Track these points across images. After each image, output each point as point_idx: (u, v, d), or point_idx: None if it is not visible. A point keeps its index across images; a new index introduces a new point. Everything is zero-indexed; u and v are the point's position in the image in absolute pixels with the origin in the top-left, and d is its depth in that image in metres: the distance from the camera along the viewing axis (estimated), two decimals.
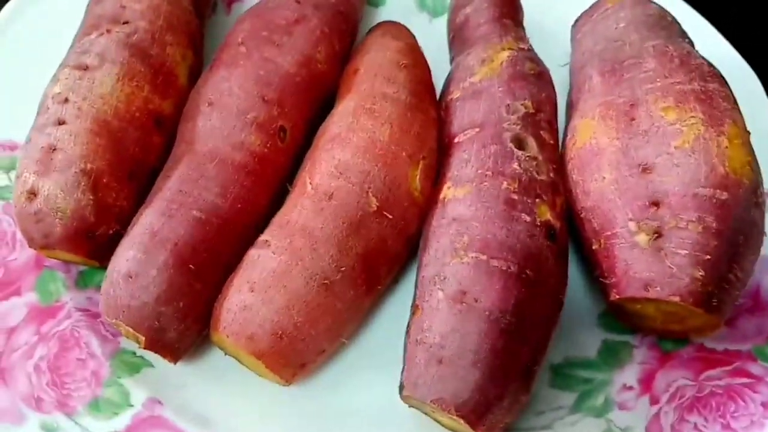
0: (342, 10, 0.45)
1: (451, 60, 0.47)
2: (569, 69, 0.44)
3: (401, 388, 0.34)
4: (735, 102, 0.36)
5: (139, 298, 0.33)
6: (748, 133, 0.36)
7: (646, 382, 0.37)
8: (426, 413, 0.35)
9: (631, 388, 0.37)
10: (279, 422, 0.36)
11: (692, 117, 0.34)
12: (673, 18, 0.42)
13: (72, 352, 0.36)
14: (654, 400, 0.37)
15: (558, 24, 0.49)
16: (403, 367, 0.34)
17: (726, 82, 0.37)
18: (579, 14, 0.46)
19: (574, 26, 0.46)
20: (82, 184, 0.35)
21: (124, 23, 0.39)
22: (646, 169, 0.34)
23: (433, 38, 0.49)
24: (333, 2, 0.45)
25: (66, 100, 0.36)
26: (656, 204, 0.34)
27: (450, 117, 0.41)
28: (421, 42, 0.48)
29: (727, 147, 0.33)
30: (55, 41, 0.44)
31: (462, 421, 0.32)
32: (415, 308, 0.35)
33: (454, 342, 0.32)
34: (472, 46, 0.44)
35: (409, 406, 0.35)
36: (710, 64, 0.38)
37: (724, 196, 0.33)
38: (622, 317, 0.37)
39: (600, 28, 0.42)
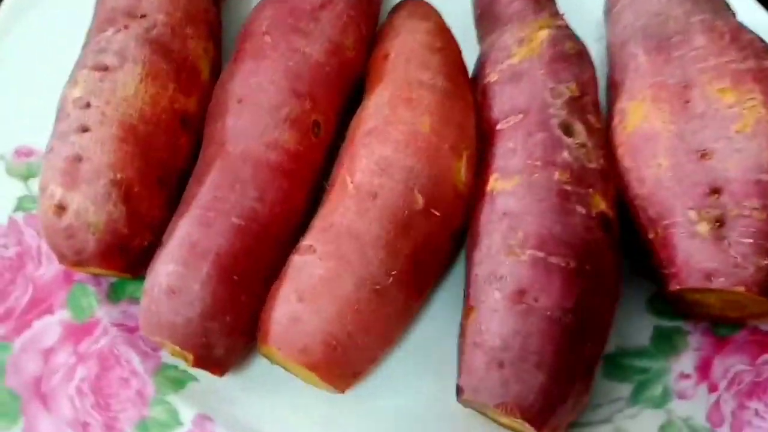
0: None
1: (479, 38, 0.45)
2: (606, 45, 0.42)
3: (459, 391, 0.33)
4: None
5: (184, 315, 0.32)
6: None
7: (703, 369, 0.37)
8: (483, 413, 0.34)
9: (688, 376, 0.37)
10: (332, 428, 0.35)
11: (751, 99, 0.33)
12: None
13: (113, 371, 0.34)
14: (712, 388, 0.36)
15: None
16: (460, 370, 0.34)
17: None
18: None
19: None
20: (113, 195, 0.33)
21: (141, 17, 0.37)
22: (705, 155, 0.33)
23: (454, 12, 0.47)
24: None
25: (88, 105, 0.34)
26: (717, 191, 0.33)
27: (489, 102, 0.39)
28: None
29: None
30: (66, 36, 0.41)
31: (527, 424, 0.31)
32: (468, 309, 0.34)
33: (516, 344, 0.31)
34: (506, 23, 0.42)
35: (465, 407, 0.34)
36: (761, 39, 0.36)
37: None
38: (677, 305, 0.36)
39: (639, 2, 0.40)
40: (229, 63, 0.40)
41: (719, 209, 0.32)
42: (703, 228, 0.33)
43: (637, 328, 0.38)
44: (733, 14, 0.39)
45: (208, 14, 0.40)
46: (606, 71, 0.42)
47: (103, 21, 0.37)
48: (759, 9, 0.47)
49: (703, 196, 0.33)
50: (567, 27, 0.41)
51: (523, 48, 0.39)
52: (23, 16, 0.44)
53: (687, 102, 0.35)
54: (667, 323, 0.38)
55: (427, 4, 0.46)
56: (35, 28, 0.44)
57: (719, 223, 0.32)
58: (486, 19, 0.45)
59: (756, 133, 0.32)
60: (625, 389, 0.37)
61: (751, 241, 0.32)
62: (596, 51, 0.43)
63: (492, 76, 0.40)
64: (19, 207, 0.38)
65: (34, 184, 0.39)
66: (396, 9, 0.45)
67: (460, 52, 0.42)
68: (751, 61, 0.35)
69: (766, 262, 0.31)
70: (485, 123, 0.39)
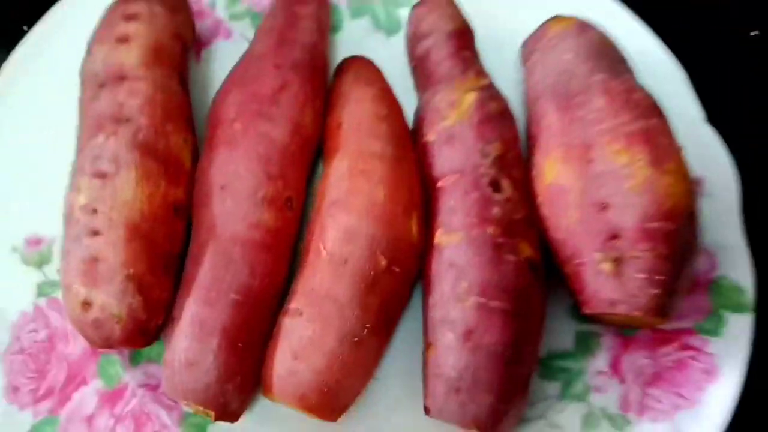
0: (316, 64, 0.49)
1: (416, 87, 0.52)
2: (523, 94, 0.50)
3: (426, 410, 0.42)
4: (671, 133, 0.43)
5: (203, 381, 0.39)
6: (682, 156, 0.43)
7: (615, 366, 0.46)
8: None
9: (603, 373, 0.46)
10: None
11: (640, 159, 0.41)
12: (611, 42, 0.47)
13: (146, 427, 0.42)
14: (621, 381, 0.46)
15: (505, 33, 0.54)
16: (425, 394, 0.42)
17: (662, 111, 0.44)
18: (526, 35, 0.51)
19: (523, 48, 0.51)
20: (130, 288, 0.39)
21: (126, 121, 0.42)
22: (605, 207, 0.41)
23: (391, 55, 0.54)
24: (307, 59, 0.48)
25: (95, 211, 0.40)
26: (615, 237, 0.41)
27: (429, 160, 0.47)
28: (380, 59, 0.53)
29: (669, 185, 0.40)
30: (48, 121, 0.47)
31: None
32: (428, 344, 0.43)
33: (468, 375, 0.40)
34: (438, 83, 0.49)
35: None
36: (649, 95, 0.44)
37: (669, 226, 0.40)
38: (591, 317, 0.45)
39: (549, 59, 0.48)
40: (205, 148, 0.46)
41: (618, 252, 0.41)
42: (606, 266, 0.41)
43: (562, 334, 0.47)
44: (626, 63, 0.47)
45: (182, 107, 0.46)
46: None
47: (92, 126, 0.43)
48: (650, 36, 0.55)
49: (605, 241, 0.41)
50: (490, 85, 0.48)
51: (454, 111, 0.47)
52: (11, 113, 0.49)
53: (590, 162, 0.43)
54: (585, 327, 0.48)
55: (370, 64, 0.52)
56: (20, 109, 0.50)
57: (618, 262, 0.41)
58: (420, 73, 0.51)
59: (644, 190, 0.40)
60: (554, 387, 0.46)
61: (643, 276, 0.40)
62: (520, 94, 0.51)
63: (430, 136, 0.47)
64: (40, 293, 0.45)
65: (49, 269, 0.45)
66: (341, 71, 0.52)
67: (402, 114, 0.49)
68: (641, 122, 0.43)
69: (655, 291, 0.40)
70: (428, 179, 0.47)
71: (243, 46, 0.52)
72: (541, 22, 0.50)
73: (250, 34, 0.54)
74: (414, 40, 0.52)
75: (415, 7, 0.53)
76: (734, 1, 0.63)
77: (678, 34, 0.55)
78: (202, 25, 0.54)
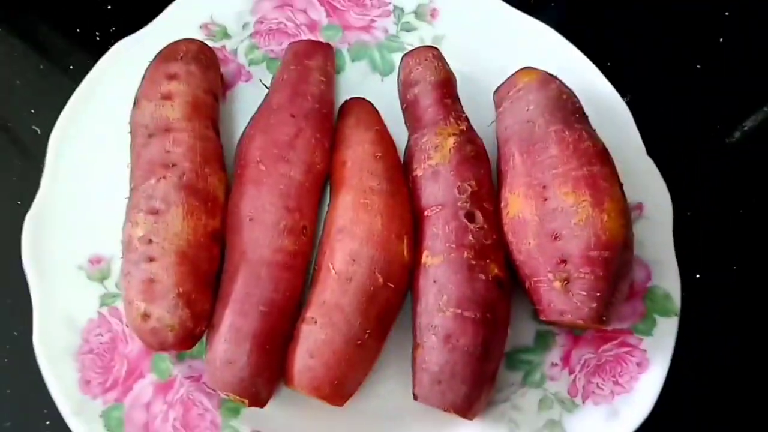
0: (324, 111, 0.59)
1: (406, 126, 0.62)
2: (495, 134, 0.60)
3: (414, 396, 0.52)
4: (611, 176, 0.53)
5: (239, 376, 0.50)
6: (621, 191, 0.53)
7: (566, 359, 0.56)
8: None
9: (557, 364, 0.56)
10: (334, 423, 0.55)
11: (583, 201, 0.51)
12: (569, 93, 0.57)
13: (193, 411, 0.52)
14: (571, 371, 0.55)
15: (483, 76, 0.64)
16: (414, 383, 0.53)
17: (605, 157, 0.54)
18: (499, 82, 0.61)
19: (495, 93, 0.60)
20: (180, 303, 0.50)
21: (173, 166, 0.52)
22: (556, 238, 0.52)
23: (385, 93, 0.64)
24: (317, 107, 0.58)
25: (150, 241, 0.50)
26: (564, 261, 0.51)
27: (418, 192, 0.57)
28: (375, 97, 0.63)
29: (606, 220, 0.50)
30: (105, 161, 0.57)
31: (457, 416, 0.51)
32: (416, 345, 0.53)
33: (447, 369, 0.50)
34: (424, 127, 0.58)
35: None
36: (594, 143, 0.54)
37: (606, 254, 0.50)
38: (547, 322, 0.56)
39: (516, 107, 0.57)
40: (235, 183, 0.56)
41: (566, 273, 0.51)
42: (557, 284, 0.51)
43: (524, 332, 0.57)
44: (582, 118, 0.57)
45: (216, 150, 0.56)
46: None
47: (145, 170, 0.53)
48: (604, 82, 0.65)
49: (556, 264, 0.52)
50: (468, 129, 0.58)
51: (437, 153, 0.56)
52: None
53: (545, 200, 0.53)
54: (544, 327, 0.58)
55: (367, 105, 0.62)
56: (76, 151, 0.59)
57: (566, 281, 0.51)
58: (409, 115, 0.61)
59: (586, 225, 0.50)
60: (517, 376, 0.56)
61: (585, 293, 0.50)
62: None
63: (418, 171, 0.57)
64: (102, 303, 0.55)
65: (108, 283, 0.55)
66: (344, 113, 0.61)
67: (396, 152, 0.59)
68: (585, 168, 0.52)
69: (595, 305, 0.51)
70: (417, 207, 0.57)
71: (260, 87, 0.62)
72: (512, 68, 0.61)
73: (266, 75, 0.64)
74: (405, 86, 0.61)
75: (405, 56, 0.62)
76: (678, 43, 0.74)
77: (630, 78, 0.66)
78: (226, 70, 0.63)
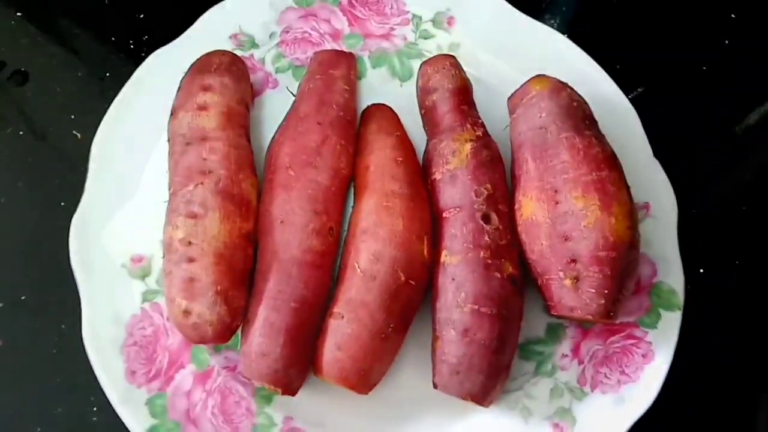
0: (348, 118, 0.63)
1: (425, 130, 0.65)
2: (509, 138, 0.63)
3: (435, 386, 0.56)
4: (619, 180, 0.56)
5: (273, 368, 0.54)
6: (629, 193, 0.57)
7: (576, 351, 0.60)
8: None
9: (567, 355, 0.60)
10: (359, 410, 0.59)
11: (593, 204, 0.54)
12: (580, 101, 0.61)
13: (230, 398, 0.57)
14: (580, 362, 0.59)
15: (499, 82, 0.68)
16: (433, 373, 0.57)
17: (614, 162, 0.57)
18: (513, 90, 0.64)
19: (510, 100, 0.64)
20: (218, 301, 0.53)
21: (209, 173, 0.56)
22: (567, 239, 0.55)
23: (404, 98, 0.67)
24: (342, 115, 0.62)
25: (190, 243, 0.54)
26: (575, 261, 0.55)
27: (436, 195, 0.60)
28: (395, 102, 0.67)
29: (614, 223, 0.54)
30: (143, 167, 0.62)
31: (474, 404, 0.56)
32: (435, 337, 0.57)
33: (465, 361, 0.54)
34: (442, 132, 0.62)
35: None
36: (603, 149, 0.58)
37: (614, 254, 0.54)
38: (558, 316, 0.60)
39: (529, 114, 0.61)
40: (265, 187, 0.59)
41: (576, 272, 0.55)
42: (568, 282, 0.55)
43: (536, 325, 0.61)
44: (592, 124, 0.60)
45: (249, 157, 0.59)
46: None
47: (183, 176, 0.56)
48: (614, 88, 0.68)
49: (567, 263, 0.55)
50: (484, 135, 0.61)
51: (455, 158, 0.60)
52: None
53: (557, 203, 0.56)
54: (555, 321, 0.62)
55: (388, 111, 0.65)
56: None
57: (576, 279, 0.55)
58: (428, 120, 0.64)
59: (595, 227, 0.54)
60: (529, 366, 0.60)
61: (593, 290, 0.54)
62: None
63: (437, 175, 0.61)
64: (144, 299, 0.59)
65: (149, 280, 0.59)
66: (366, 119, 0.65)
67: (415, 156, 0.63)
68: (594, 174, 0.56)
69: (603, 301, 0.54)
70: (435, 209, 0.60)
71: (287, 94, 0.66)
72: (525, 73, 0.64)
73: (292, 83, 0.68)
74: (423, 93, 0.65)
75: (423, 64, 0.66)
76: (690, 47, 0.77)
77: (637, 81, 0.69)
78: (254, 78, 0.67)
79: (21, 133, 0.70)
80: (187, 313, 0.54)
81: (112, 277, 0.59)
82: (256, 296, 0.56)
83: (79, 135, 0.69)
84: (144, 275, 0.60)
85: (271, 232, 0.57)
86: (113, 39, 0.73)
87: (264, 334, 0.54)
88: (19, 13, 0.75)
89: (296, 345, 0.55)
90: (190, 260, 0.54)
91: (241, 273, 0.56)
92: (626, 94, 0.67)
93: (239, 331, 0.56)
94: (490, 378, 0.55)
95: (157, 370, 0.57)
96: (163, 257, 0.56)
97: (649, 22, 0.79)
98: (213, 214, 0.55)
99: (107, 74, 0.72)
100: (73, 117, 0.70)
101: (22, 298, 0.64)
